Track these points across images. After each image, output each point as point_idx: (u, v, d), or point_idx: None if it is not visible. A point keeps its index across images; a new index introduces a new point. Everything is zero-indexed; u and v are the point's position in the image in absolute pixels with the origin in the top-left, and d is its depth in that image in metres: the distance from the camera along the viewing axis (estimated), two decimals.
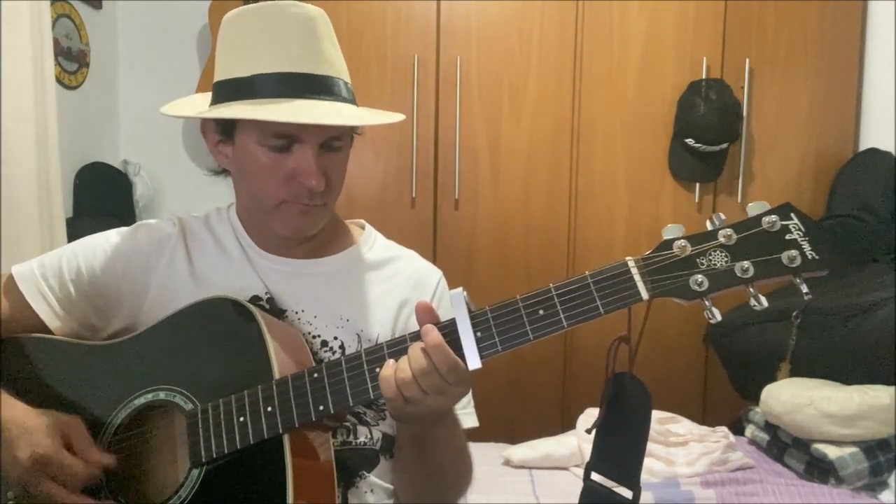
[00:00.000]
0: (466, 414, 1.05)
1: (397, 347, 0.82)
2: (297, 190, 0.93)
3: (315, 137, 0.91)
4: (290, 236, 0.99)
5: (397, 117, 1.00)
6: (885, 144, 2.43)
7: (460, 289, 0.79)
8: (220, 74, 0.95)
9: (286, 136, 0.90)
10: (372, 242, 1.09)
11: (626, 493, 0.86)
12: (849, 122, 2.55)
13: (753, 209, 0.75)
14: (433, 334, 0.78)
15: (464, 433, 1.02)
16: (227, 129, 0.96)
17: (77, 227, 2.35)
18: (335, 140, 0.94)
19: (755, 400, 2.02)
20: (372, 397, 0.82)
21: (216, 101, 0.95)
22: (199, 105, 1.00)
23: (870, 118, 2.54)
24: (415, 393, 0.77)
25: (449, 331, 0.78)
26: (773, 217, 0.73)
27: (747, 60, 2.50)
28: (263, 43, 0.91)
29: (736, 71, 2.50)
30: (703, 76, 2.49)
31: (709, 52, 2.51)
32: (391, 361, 0.80)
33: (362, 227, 1.12)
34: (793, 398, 1.86)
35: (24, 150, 1.99)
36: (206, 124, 0.99)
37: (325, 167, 0.93)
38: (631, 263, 0.75)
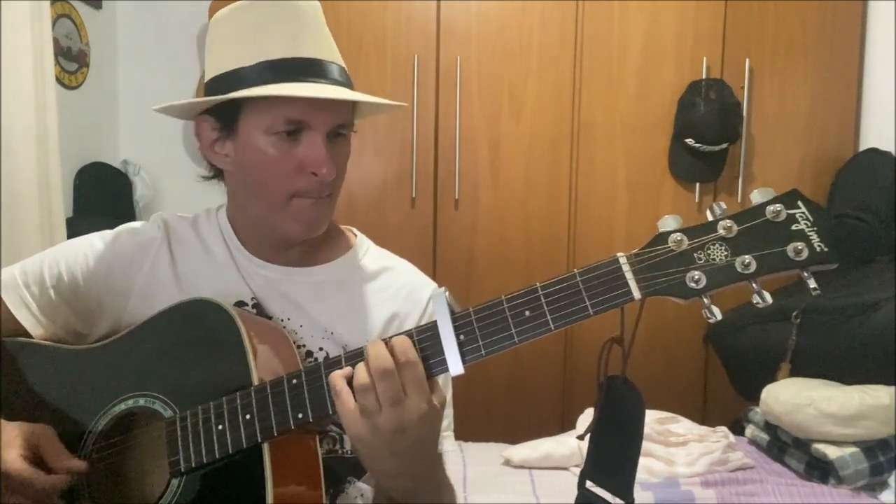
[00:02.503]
0: (445, 437, 1.00)
1: None
2: (307, 181, 0.90)
3: (325, 124, 0.89)
4: (300, 236, 0.95)
5: (401, 103, 0.99)
6: (885, 144, 2.43)
7: (443, 289, 0.75)
8: (214, 70, 0.92)
9: (297, 122, 0.88)
10: (364, 252, 1.05)
11: (620, 503, 0.82)
12: (849, 122, 2.55)
13: (757, 197, 0.68)
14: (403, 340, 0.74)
15: (453, 497, 0.96)
16: (228, 123, 0.92)
17: (77, 227, 2.35)
18: (341, 128, 0.92)
19: (755, 400, 2.02)
20: None
21: (213, 96, 0.92)
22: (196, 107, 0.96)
23: (870, 118, 2.53)
24: (365, 389, 0.73)
25: (430, 334, 0.74)
26: (778, 206, 0.67)
27: (747, 60, 2.49)
28: (262, 32, 0.89)
29: (736, 71, 2.50)
30: (703, 76, 2.49)
31: (709, 52, 2.51)
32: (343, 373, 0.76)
33: (354, 235, 1.08)
34: (793, 398, 1.86)
35: (24, 150, 1.99)
36: (202, 122, 0.95)
37: (332, 156, 0.90)
38: (622, 260, 0.70)
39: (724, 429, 2.05)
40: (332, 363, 0.78)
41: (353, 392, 0.74)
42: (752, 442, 2.07)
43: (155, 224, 1.03)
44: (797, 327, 2.12)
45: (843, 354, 2.03)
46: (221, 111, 0.92)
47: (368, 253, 1.06)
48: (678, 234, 0.69)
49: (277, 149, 0.89)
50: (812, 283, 0.66)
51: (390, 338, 0.75)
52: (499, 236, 2.58)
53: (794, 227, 0.66)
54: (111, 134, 2.96)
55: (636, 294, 0.69)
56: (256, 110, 0.89)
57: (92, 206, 2.68)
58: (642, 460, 1.90)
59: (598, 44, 2.52)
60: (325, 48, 0.91)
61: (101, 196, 2.73)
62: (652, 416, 2.05)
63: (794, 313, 2.12)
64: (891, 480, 1.77)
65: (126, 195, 2.87)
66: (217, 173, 1.01)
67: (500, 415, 2.56)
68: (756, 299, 0.67)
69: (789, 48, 2.51)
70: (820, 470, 1.81)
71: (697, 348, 2.57)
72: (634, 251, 0.70)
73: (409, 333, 0.75)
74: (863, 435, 1.79)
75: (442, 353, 0.73)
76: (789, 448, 1.91)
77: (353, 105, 0.96)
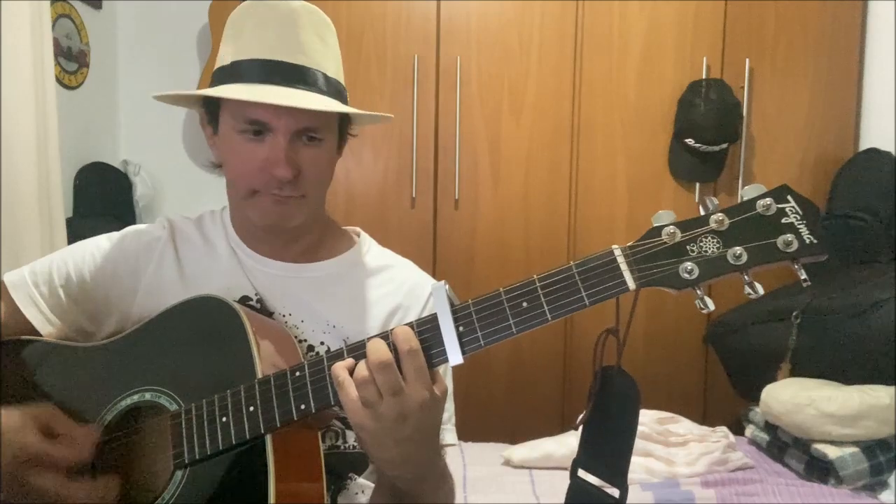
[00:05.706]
0: (446, 430, 1.02)
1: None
2: (266, 179, 0.92)
3: (286, 126, 0.90)
4: (266, 227, 0.97)
5: (377, 115, 1.00)
6: (885, 144, 2.43)
7: (443, 282, 0.76)
8: (217, 65, 0.97)
9: (258, 122, 0.90)
10: (366, 250, 1.08)
11: (614, 492, 0.83)
12: (849, 122, 2.55)
13: (748, 192, 0.71)
14: (405, 332, 0.75)
15: (452, 487, 0.99)
16: (213, 119, 0.97)
17: (77, 227, 2.35)
18: (311, 132, 0.93)
19: (755, 400, 2.02)
20: None
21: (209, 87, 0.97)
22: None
23: (870, 118, 2.54)
24: (365, 382, 0.74)
25: (430, 325, 0.76)
26: (768, 200, 0.69)
27: (747, 60, 2.50)
28: (247, 32, 0.93)
29: (736, 71, 2.50)
30: (703, 76, 2.49)
31: (709, 52, 2.51)
32: (347, 363, 0.77)
33: (357, 235, 1.11)
34: (793, 398, 1.86)
35: (24, 150, 1.99)
36: (202, 116, 1.01)
37: (298, 159, 0.92)
38: (617, 252, 0.71)
39: (724, 429, 2.05)
40: (335, 355, 0.79)
41: (355, 384, 0.75)
42: (752, 442, 2.07)
43: (160, 225, 1.06)
44: (797, 327, 2.12)
45: (843, 354, 2.03)
46: (208, 107, 0.98)
47: (370, 251, 1.08)
48: (671, 227, 0.71)
49: (243, 147, 0.92)
50: (803, 275, 0.69)
51: (392, 329, 0.76)
52: (499, 236, 2.58)
53: (784, 221, 0.69)
54: (111, 134, 2.95)
55: (630, 284, 0.71)
56: (229, 109, 0.93)
57: (92, 206, 2.68)
58: (642, 460, 1.90)
59: (598, 44, 2.52)
60: (305, 52, 0.92)
61: (101, 196, 2.73)
62: (652, 416, 2.05)
63: (794, 313, 2.12)
64: (891, 480, 1.77)
65: (126, 195, 2.87)
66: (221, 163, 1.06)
67: (500, 415, 2.56)
68: (748, 290, 0.69)
69: (789, 48, 2.51)
70: (820, 470, 1.81)
71: (697, 348, 2.57)
72: (629, 244, 0.72)
73: (410, 325, 0.77)
74: (863, 435, 1.79)
75: (442, 343, 0.75)
76: (789, 448, 1.91)
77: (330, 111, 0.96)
